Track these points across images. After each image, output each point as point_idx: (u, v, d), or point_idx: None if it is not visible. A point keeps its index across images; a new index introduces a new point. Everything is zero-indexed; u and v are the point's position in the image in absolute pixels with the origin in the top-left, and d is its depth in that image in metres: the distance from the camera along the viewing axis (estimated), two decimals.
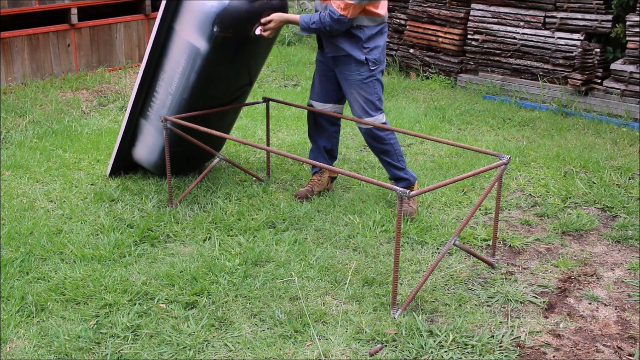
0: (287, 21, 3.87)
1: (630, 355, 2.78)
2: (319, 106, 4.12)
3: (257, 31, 3.82)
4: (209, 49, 3.74)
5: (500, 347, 2.80)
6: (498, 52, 6.82)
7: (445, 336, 2.83)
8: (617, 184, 4.48)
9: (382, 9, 3.81)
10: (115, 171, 4.43)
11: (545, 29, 6.49)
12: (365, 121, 3.88)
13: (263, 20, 3.81)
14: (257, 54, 4.11)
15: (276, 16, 3.83)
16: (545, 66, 6.52)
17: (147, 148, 4.21)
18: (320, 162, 3.96)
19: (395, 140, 4.00)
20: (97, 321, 2.92)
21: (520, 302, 3.13)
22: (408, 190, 2.83)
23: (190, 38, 3.74)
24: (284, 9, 3.96)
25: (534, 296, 3.18)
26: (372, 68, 3.83)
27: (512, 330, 2.91)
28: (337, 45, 3.83)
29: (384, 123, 3.92)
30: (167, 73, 3.89)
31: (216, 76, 3.92)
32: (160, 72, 3.92)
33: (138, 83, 3.93)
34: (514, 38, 6.67)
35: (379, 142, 3.95)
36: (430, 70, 7.36)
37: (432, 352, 2.75)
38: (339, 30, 3.72)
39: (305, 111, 4.47)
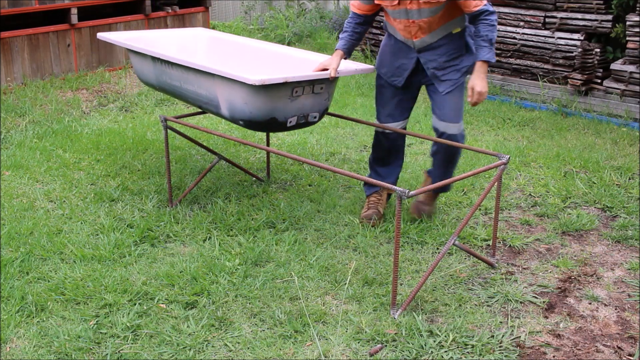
0: (486, 73, 3.51)
1: (630, 355, 2.78)
2: (395, 126, 3.84)
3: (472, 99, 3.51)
4: (228, 117, 3.68)
5: (500, 347, 2.80)
6: (498, 52, 6.82)
7: (445, 336, 2.83)
8: (617, 184, 4.48)
9: None
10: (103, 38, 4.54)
11: (545, 29, 6.49)
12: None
13: (474, 101, 3.52)
14: None
15: (483, 86, 3.48)
16: (545, 66, 6.52)
17: (142, 71, 4.24)
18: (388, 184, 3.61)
19: None
20: (97, 321, 2.92)
21: (520, 302, 3.13)
22: (407, 190, 2.83)
23: (219, 97, 3.63)
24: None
25: (534, 296, 3.18)
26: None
27: (512, 330, 2.91)
28: (461, 46, 3.60)
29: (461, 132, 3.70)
30: (189, 78, 3.80)
31: None
32: (185, 69, 3.80)
33: (168, 55, 3.88)
34: (514, 38, 6.67)
35: (459, 147, 3.67)
36: None
37: (432, 352, 2.75)
38: None
39: None
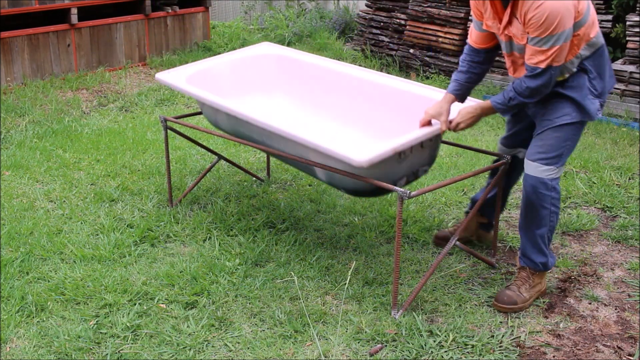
0: (481, 114, 3.08)
1: (630, 355, 2.78)
2: (504, 151, 3.40)
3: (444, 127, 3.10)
4: (325, 182, 3.36)
5: (500, 347, 2.80)
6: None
7: (445, 336, 2.84)
8: (617, 184, 4.48)
9: (595, 28, 2.91)
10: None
11: None
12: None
13: (452, 126, 3.10)
14: None
15: (465, 112, 3.06)
16: None
17: (213, 119, 3.84)
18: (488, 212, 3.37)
19: (557, 212, 3.07)
20: (97, 321, 2.92)
21: None
22: (408, 191, 2.83)
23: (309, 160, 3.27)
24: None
25: None
26: (593, 115, 2.96)
27: (512, 330, 2.91)
28: (560, 97, 2.96)
29: (553, 180, 3.01)
30: (275, 137, 3.34)
31: None
32: (267, 127, 3.26)
33: (248, 115, 3.35)
34: None
35: (539, 200, 3.00)
36: (430, 70, 7.36)
37: (432, 352, 2.75)
38: (550, 85, 2.87)
39: None
